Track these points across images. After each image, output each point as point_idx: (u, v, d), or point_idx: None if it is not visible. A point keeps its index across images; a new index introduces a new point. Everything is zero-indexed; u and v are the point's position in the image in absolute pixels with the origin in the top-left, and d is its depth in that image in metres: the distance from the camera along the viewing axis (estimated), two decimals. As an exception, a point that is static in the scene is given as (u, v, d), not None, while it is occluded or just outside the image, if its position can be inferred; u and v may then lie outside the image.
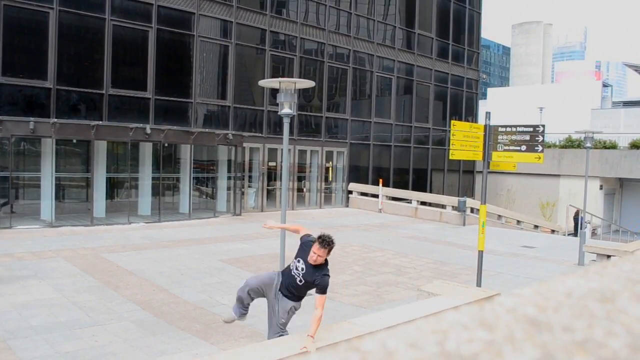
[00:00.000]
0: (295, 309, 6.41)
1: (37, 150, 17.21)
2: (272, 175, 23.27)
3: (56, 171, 16.75)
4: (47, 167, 16.75)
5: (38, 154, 17.15)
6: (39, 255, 11.05)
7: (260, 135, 21.98)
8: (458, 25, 32.07)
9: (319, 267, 6.09)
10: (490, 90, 64.62)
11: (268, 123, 22.47)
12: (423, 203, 23.11)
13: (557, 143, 33.79)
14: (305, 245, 6.24)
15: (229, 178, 20.89)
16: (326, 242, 6.08)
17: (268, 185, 22.86)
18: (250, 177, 22.48)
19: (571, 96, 50.26)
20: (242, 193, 21.36)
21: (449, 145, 10.96)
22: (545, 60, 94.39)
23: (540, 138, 9.82)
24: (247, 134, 20.98)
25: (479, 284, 9.31)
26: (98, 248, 13.39)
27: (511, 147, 10.09)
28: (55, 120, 16.07)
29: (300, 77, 21.09)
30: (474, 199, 26.02)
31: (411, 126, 28.99)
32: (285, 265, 7.16)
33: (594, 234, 27.88)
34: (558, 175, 31.90)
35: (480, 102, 39.13)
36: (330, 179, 25.55)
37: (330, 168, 25.45)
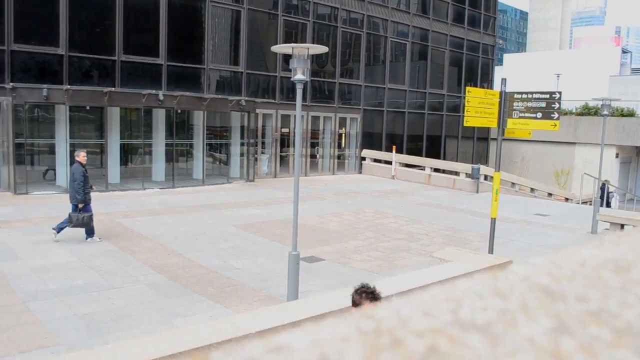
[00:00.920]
0: None
1: (51, 117, 17.31)
2: (285, 142, 23.26)
3: (70, 138, 16.87)
4: (61, 133, 16.86)
5: (52, 120, 17.25)
6: (55, 220, 11.21)
7: (273, 101, 21.90)
8: (474, -11, 31.44)
9: None
10: (506, 56, 63.56)
11: (281, 89, 22.36)
12: (436, 170, 23.05)
13: (574, 110, 33.32)
14: None
15: (242, 144, 20.92)
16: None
17: (281, 152, 22.88)
18: (263, 143, 22.49)
19: (589, 63, 49.33)
20: (255, 159, 21.42)
21: (463, 112, 10.86)
22: (563, 25, 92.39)
23: (557, 105, 9.68)
24: (260, 100, 20.91)
25: (491, 251, 9.33)
26: (113, 213, 13.55)
27: (527, 114, 9.96)
28: (69, 86, 16.11)
29: (313, 43, 20.88)
30: (487, 166, 25.89)
31: (425, 92, 28.71)
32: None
33: (608, 204, 27.71)
34: (574, 143, 31.55)
35: (496, 68, 38.54)
36: (344, 146, 25.50)
37: (344, 134, 25.37)
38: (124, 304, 7.63)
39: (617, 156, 31.63)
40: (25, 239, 10.89)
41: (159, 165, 19.13)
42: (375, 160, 24.52)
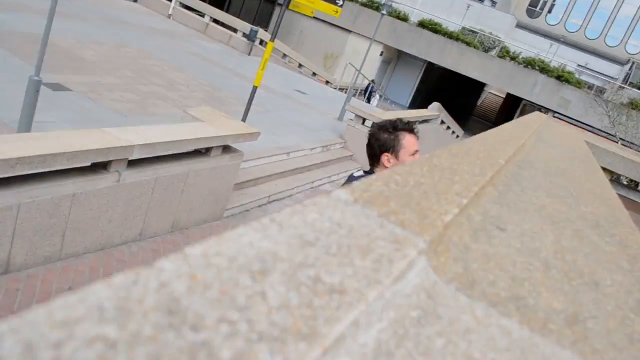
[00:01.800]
0: None
1: None
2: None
3: None
4: None
5: None
6: None
7: None
8: None
9: None
10: None
11: None
12: (216, 21, 22.28)
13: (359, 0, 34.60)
14: None
15: None
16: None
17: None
18: None
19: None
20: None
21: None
22: None
23: (341, -6, 9.93)
24: None
25: (244, 119, 9.57)
26: None
27: (312, -6, 10.06)
28: None
29: None
30: (267, 30, 25.89)
31: None
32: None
33: (360, 94, 30.25)
34: (349, 31, 33.07)
35: None
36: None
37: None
38: None
39: (381, 54, 34.23)
40: None
41: None
42: (154, -7, 22.66)
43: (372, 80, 32.24)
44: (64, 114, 8.34)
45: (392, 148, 2.81)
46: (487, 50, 33.78)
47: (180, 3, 22.27)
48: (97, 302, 0.47)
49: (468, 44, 32.28)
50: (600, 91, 33.79)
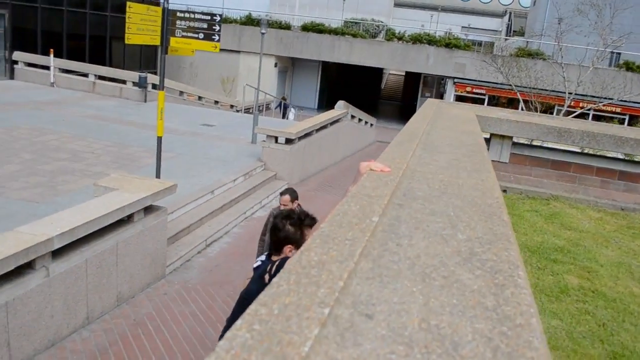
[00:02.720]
0: None
1: None
2: None
3: None
4: None
5: None
6: None
7: None
8: None
9: None
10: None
11: None
12: (102, 77, 21.78)
13: (239, 19, 34.72)
14: None
15: None
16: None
17: None
18: None
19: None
20: None
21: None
22: None
23: (218, 27, 10.01)
24: None
25: (158, 173, 9.49)
26: None
27: (189, 34, 10.10)
28: None
29: None
30: (156, 73, 25.53)
31: (87, -11, 26.34)
32: None
33: (268, 108, 30.43)
34: (238, 52, 33.15)
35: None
36: (-10, 47, 22.03)
37: (-11, 33, 21.85)
38: None
39: (275, 65, 34.53)
40: None
41: None
42: (31, 65, 21.88)
43: (283, 97, 32.49)
44: (-28, 219, 8.00)
45: (295, 242, 2.93)
46: (374, 36, 34.74)
47: (60, 69, 21.62)
48: None
49: (354, 35, 33.08)
50: (491, 45, 35.48)
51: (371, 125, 24.02)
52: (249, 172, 12.81)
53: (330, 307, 1.05)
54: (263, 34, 15.40)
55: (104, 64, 26.39)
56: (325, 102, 35.55)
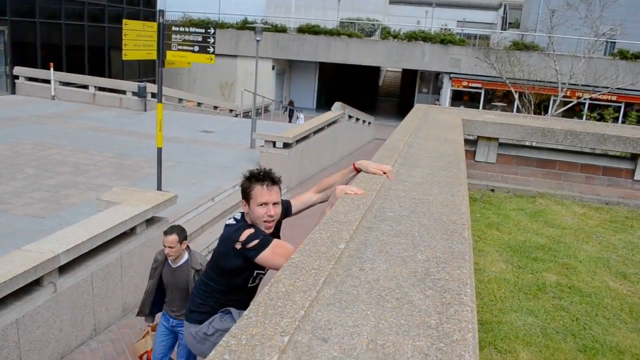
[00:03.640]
0: None
1: None
2: None
3: None
4: None
5: None
6: None
7: None
8: None
9: None
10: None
11: None
12: (102, 88, 22.02)
13: (235, 24, 34.90)
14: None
15: None
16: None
17: None
18: None
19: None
20: None
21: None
22: None
23: (212, 40, 10.21)
24: None
25: (159, 184, 9.71)
26: None
27: (185, 47, 10.30)
28: None
29: None
30: (155, 82, 25.74)
31: (84, 2, 26.57)
32: None
33: (267, 111, 30.60)
34: (236, 56, 33.38)
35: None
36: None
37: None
38: None
39: (273, 68, 34.73)
40: None
41: None
42: (31, 79, 22.14)
43: (291, 102, 32.60)
44: (-21, 238, 8.22)
45: (246, 197, 2.99)
46: (369, 35, 34.91)
47: (60, 82, 21.87)
48: None
49: (350, 35, 33.26)
50: (487, 39, 35.58)
51: (369, 123, 24.21)
52: (248, 178, 13.00)
53: (290, 334, 1.25)
54: (258, 41, 15.61)
55: (103, 74, 26.64)
56: (324, 102, 35.73)
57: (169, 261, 5.23)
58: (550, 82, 20.75)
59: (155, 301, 5.43)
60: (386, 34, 33.68)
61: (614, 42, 28.59)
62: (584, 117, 26.94)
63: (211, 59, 10.10)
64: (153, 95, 21.28)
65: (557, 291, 3.64)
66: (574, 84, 20.11)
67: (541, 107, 20.76)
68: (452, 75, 32.70)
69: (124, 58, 9.69)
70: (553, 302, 3.50)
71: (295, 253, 1.73)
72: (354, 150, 20.98)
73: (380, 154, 3.46)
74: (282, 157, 13.73)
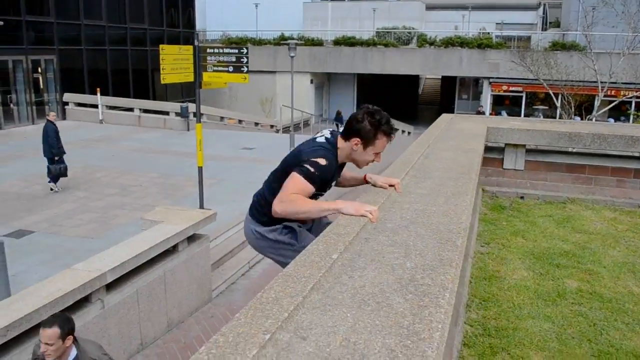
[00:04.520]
0: None
1: None
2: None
3: None
4: None
5: None
6: None
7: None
8: None
9: None
10: (207, -18, 63.37)
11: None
12: (146, 110, 22.84)
13: (272, 40, 35.54)
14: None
15: None
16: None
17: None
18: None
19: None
20: None
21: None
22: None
23: (245, 59, 10.57)
24: None
25: (201, 202, 10.06)
26: None
27: (220, 68, 10.69)
28: None
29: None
30: (197, 101, 26.43)
31: (126, 27, 27.63)
32: None
33: (307, 125, 31.00)
34: (274, 72, 33.96)
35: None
36: (42, 91, 23.42)
37: (40, 78, 23.23)
38: None
39: (311, 82, 35.17)
40: None
41: None
42: (80, 105, 23.16)
43: (338, 112, 32.84)
44: (33, 258, 8.72)
45: (366, 139, 2.88)
46: (406, 43, 34.95)
47: (107, 106, 22.78)
48: None
49: (386, 45, 33.39)
50: (527, 40, 35.08)
51: (409, 133, 24.24)
52: (287, 192, 13.25)
53: (272, 333, 1.44)
54: (292, 57, 15.93)
55: (147, 96, 27.55)
56: (364, 113, 35.81)
57: None
58: (589, 82, 20.36)
59: None
60: (422, 41, 33.65)
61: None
62: (631, 116, 26.24)
63: (245, 78, 10.46)
64: (194, 114, 21.91)
65: (577, 297, 3.68)
66: (614, 83, 19.66)
67: (582, 108, 20.37)
68: (491, 80, 32.38)
69: (162, 82, 10.17)
70: (572, 308, 3.54)
71: (289, 265, 1.91)
72: (394, 160, 21.02)
73: (392, 167, 3.61)
74: (320, 170, 13.92)
